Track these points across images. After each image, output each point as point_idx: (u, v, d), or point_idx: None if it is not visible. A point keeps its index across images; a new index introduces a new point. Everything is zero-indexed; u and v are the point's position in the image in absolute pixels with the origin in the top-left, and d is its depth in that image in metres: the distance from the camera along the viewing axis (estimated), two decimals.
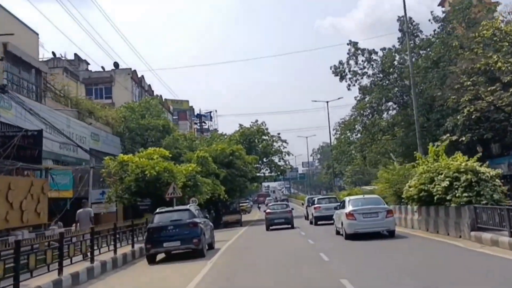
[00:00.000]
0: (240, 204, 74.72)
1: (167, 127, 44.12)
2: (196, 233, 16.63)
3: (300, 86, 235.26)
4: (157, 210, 17.91)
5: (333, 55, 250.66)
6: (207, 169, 36.62)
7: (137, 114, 43.75)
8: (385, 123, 41.59)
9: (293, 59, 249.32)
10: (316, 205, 31.38)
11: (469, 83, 29.67)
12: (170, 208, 17.97)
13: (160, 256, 17.96)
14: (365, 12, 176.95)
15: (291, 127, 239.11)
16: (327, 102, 55.90)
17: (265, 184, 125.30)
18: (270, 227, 29.69)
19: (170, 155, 25.18)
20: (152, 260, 16.78)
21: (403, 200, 20.90)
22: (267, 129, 53.65)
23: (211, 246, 19.31)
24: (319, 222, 29.94)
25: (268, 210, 31.01)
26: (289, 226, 29.74)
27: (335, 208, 22.80)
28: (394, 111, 43.21)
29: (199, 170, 35.89)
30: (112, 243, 16.69)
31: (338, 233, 20.62)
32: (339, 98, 57.65)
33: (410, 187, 19.49)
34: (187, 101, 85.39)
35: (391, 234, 18.38)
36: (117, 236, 17.24)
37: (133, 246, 18.67)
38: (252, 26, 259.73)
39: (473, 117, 30.44)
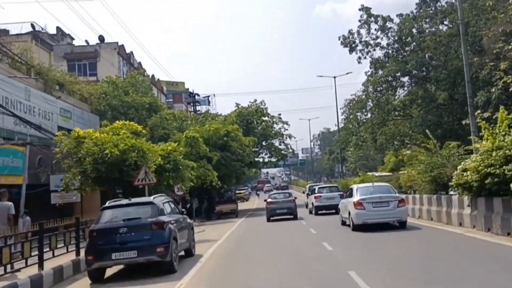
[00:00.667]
0: (238, 192, 69.31)
1: (155, 105, 38.32)
2: (162, 238, 10.87)
3: (303, 66, 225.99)
4: (107, 204, 12.11)
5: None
6: (197, 151, 30.90)
7: (121, 90, 37.95)
8: (399, 102, 35.78)
9: (296, 40, 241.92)
10: (316, 194, 29.04)
11: (510, 47, 24.01)
12: (125, 201, 12.17)
13: (115, 269, 12.29)
14: None
15: (292, 108, 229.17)
16: (334, 77, 49.31)
17: (264, 170, 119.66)
18: (271, 218, 26.37)
19: (144, 131, 19.14)
20: (97, 278, 11.03)
21: (450, 188, 15.19)
22: (266, 108, 47.70)
23: (189, 253, 13.60)
24: (319, 212, 27.99)
25: (269, 200, 27.41)
26: (292, 216, 26.30)
27: (341, 197, 21.12)
28: (410, 88, 37.48)
29: (188, 152, 30.27)
30: (37, 252, 10.95)
31: (344, 223, 18.85)
32: (347, 73, 49.99)
33: (465, 170, 13.76)
34: (183, 83, 79.34)
35: (402, 225, 16.57)
36: (47, 240, 11.51)
37: (78, 254, 12.90)
38: (249, 13, 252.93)
39: (511, 89, 24.88)
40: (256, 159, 47.97)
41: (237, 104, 48.02)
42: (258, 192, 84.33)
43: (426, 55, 33.43)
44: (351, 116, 38.52)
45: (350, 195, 17.90)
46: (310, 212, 29.24)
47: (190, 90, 78.93)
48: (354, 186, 18.67)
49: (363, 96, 36.12)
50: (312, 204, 29.02)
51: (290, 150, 49.12)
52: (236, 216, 34.84)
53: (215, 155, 34.20)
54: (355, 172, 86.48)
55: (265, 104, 47.49)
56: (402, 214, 16.53)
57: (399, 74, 34.93)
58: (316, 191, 29.76)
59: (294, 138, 48.42)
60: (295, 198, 28.42)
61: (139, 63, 56.64)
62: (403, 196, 18.91)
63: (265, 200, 28.88)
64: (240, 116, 45.60)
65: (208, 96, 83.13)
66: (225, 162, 35.94)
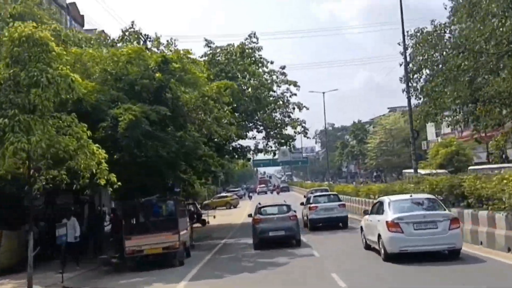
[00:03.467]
0: (223, 195, 47.85)
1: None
2: None
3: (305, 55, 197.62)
4: None
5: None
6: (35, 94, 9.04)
7: None
8: None
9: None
10: (311, 205, 21.43)
11: None
12: None
13: None
14: None
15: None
16: None
17: (261, 169, 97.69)
18: (261, 243, 15.97)
19: None
20: None
21: None
22: (259, 49, 25.03)
23: None
24: (316, 226, 20.88)
25: (258, 216, 16.51)
26: (293, 240, 16.25)
27: (366, 213, 14.19)
28: None
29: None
30: None
31: (368, 247, 13.08)
32: None
33: None
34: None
35: (454, 255, 11.01)
36: None
37: None
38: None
39: None
40: (245, 143, 26.09)
41: (208, 42, 24.62)
42: (250, 194, 64.74)
43: None
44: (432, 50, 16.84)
45: (379, 211, 12.31)
46: (305, 226, 21.28)
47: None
48: (386, 199, 12.52)
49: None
50: (306, 216, 21.65)
51: (301, 128, 26.40)
52: (181, 263, 13.16)
53: (128, 111, 12.48)
54: (374, 170, 64.83)
55: (257, 40, 24.78)
56: (455, 239, 10.95)
57: None
58: (311, 201, 22.02)
59: (307, 108, 26.22)
60: (295, 212, 17.12)
61: (72, 3, 34.78)
62: (455, 213, 12.51)
63: (249, 215, 18.18)
64: (214, 64, 23.39)
65: None
66: (164, 133, 14.24)
